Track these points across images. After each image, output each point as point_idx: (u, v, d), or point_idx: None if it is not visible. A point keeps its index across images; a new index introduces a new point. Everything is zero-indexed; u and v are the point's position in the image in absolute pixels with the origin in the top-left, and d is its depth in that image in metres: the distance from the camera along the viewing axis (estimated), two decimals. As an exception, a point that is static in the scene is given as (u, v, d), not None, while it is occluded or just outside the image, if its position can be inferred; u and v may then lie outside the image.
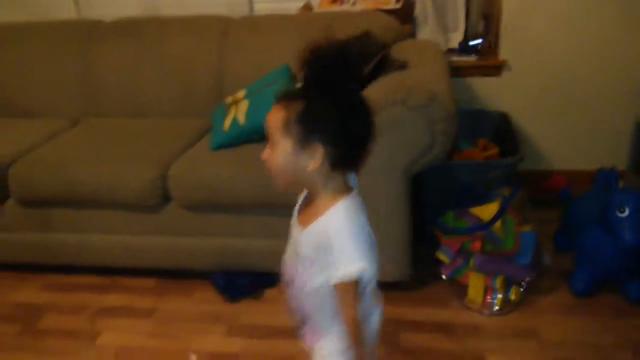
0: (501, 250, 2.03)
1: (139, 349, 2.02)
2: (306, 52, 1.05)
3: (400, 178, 1.98)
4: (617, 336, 1.90)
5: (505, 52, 2.61)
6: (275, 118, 1.07)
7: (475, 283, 2.05)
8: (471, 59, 2.65)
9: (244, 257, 2.26)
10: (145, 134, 2.51)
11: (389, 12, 2.62)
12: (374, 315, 1.25)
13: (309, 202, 1.18)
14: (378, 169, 1.92)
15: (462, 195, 2.19)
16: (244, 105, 2.28)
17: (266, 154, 1.11)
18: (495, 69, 2.64)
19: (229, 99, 2.40)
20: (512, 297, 2.05)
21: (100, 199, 2.23)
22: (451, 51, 2.68)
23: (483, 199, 2.11)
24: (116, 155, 2.31)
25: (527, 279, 2.05)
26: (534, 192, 2.43)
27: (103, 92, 2.76)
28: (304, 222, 1.16)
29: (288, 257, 1.24)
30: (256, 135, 2.20)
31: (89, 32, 2.81)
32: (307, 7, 2.81)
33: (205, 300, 2.26)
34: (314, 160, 1.07)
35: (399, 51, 2.33)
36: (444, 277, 2.15)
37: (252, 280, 2.25)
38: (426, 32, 2.65)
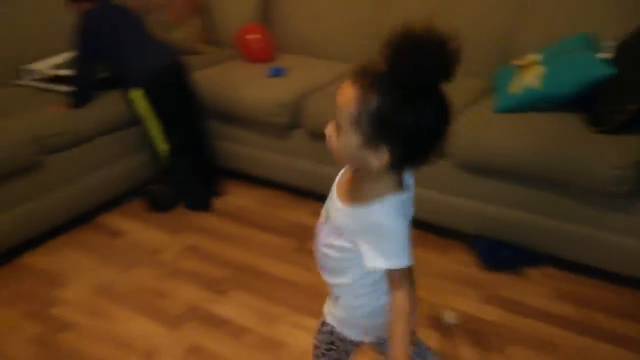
0: None
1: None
2: (400, 36, 0.91)
3: None
4: None
5: None
6: (347, 102, 0.97)
7: None
8: None
9: (510, 228, 2.20)
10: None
11: None
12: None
13: (354, 179, 1.12)
14: None
15: None
16: (538, 70, 2.18)
17: (331, 130, 1.04)
18: None
19: (518, 62, 2.31)
20: None
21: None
22: None
23: None
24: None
25: None
26: None
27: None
28: (344, 197, 1.12)
29: (324, 210, 1.20)
30: (545, 104, 2.13)
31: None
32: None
33: (461, 261, 2.28)
34: (379, 160, 0.99)
35: None
36: None
37: (516, 254, 2.20)
38: None
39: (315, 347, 1.36)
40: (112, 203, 2.78)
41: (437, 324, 1.95)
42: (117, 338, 1.96)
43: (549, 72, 2.15)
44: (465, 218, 2.30)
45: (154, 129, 2.62)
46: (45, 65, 2.81)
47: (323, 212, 1.21)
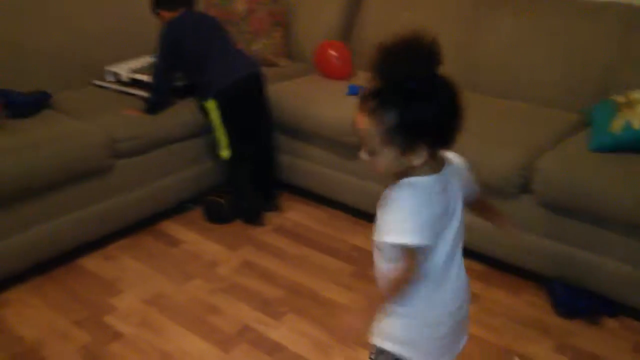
0: None
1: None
2: (379, 52, 1.01)
3: None
4: None
5: None
6: (367, 129, 1.05)
7: None
8: None
9: (590, 275, 2.02)
10: (515, 116, 2.40)
11: None
12: (439, 294, 1.19)
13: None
14: None
15: None
16: (641, 109, 2.00)
17: (364, 157, 1.10)
18: None
19: (621, 98, 2.12)
20: None
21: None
22: None
23: None
24: (482, 134, 2.20)
25: None
26: None
27: (481, 64, 2.68)
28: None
29: None
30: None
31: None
32: None
33: (534, 304, 2.11)
34: (421, 158, 1.06)
35: None
36: None
37: (594, 303, 2.02)
38: None
39: None
40: (173, 210, 2.76)
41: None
42: (166, 355, 1.91)
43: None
44: (544, 259, 2.13)
45: (222, 137, 2.58)
46: (125, 68, 2.83)
47: None
